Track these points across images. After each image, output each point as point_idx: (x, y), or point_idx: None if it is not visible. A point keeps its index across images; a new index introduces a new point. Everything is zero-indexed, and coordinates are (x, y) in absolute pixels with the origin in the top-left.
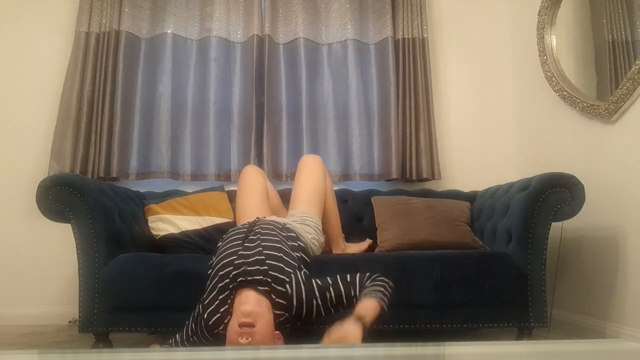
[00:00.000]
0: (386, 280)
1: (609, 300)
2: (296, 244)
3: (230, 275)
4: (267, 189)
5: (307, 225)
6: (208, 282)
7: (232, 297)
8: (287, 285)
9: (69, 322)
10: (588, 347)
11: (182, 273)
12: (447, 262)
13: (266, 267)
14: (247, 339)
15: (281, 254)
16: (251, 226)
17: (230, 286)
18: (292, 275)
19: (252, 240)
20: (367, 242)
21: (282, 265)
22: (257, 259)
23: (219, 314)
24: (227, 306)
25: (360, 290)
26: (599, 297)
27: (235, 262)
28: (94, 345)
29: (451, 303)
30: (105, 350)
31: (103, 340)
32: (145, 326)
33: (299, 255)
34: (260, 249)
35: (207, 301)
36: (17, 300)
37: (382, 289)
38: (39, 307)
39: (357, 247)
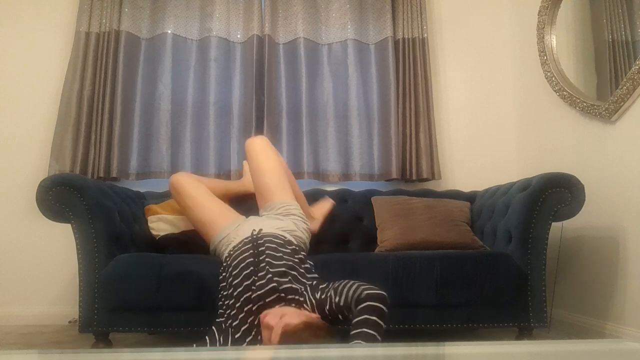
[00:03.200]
0: (381, 297)
1: (609, 300)
2: (302, 256)
3: (252, 299)
4: (207, 187)
5: (292, 214)
6: (226, 285)
7: (257, 318)
8: (304, 305)
9: (69, 322)
10: (588, 347)
11: (182, 273)
12: (447, 262)
13: (283, 294)
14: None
15: (289, 278)
16: (255, 246)
17: (254, 308)
18: (305, 292)
19: (262, 268)
20: (328, 203)
21: (296, 287)
22: (271, 287)
23: (246, 325)
24: (253, 317)
25: (353, 303)
26: (599, 297)
27: (252, 292)
28: (94, 345)
29: (451, 303)
30: (105, 350)
31: (103, 340)
32: (145, 326)
33: (305, 266)
34: (270, 275)
35: (230, 305)
36: (17, 300)
37: (379, 321)
38: (39, 307)
39: (319, 210)
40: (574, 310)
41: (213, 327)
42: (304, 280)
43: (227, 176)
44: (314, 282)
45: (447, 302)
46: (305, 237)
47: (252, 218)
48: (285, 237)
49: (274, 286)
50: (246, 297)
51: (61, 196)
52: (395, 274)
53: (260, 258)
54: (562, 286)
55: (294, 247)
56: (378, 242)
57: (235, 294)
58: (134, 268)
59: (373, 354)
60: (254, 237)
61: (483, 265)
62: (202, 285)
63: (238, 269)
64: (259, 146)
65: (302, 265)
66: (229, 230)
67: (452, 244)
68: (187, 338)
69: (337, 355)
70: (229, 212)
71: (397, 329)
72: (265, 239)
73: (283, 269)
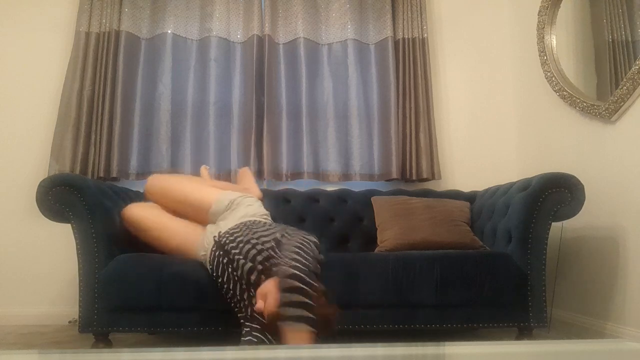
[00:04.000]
0: (296, 279)
1: (609, 300)
2: (256, 221)
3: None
4: (161, 211)
5: (234, 200)
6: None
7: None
8: (281, 265)
9: (69, 322)
10: (588, 347)
11: (182, 273)
12: (447, 262)
13: (261, 267)
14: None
15: (258, 250)
16: (221, 247)
17: (253, 301)
18: (276, 253)
19: (236, 266)
20: (247, 173)
21: (268, 254)
22: (249, 267)
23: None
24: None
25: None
26: (599, 297)
27: (245, 291)
28: (94, 345)
29: (451, 303)
30: (105, 350)
31: (103, 340)
32: (145, 326)
33: (263, 222)
34: (249, 264)
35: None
36: (17, 300)
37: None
38: (39, 307)
39: (246, 182)
40: (574, 310)
41: (253, 336)
42: (268, 239)
43: (227, 176)
44: (278, 237)
45: (447, 302)
46: (258, 209)
47: (209, 227)
48: (242, 222)
49: (251, 266)
50: (245, 296)
51: (61, 196)
52: (395, 274)
53: (230, 257)
54: (562, 286)
55: (249, 225)
56: (378, 242)
57: (237, 300)
58: (134, 268)
59: (373, 354)
60: (217, 241)
61: (483, 265)
62: (201, 285)
63: (221, 278)
64: (161, 180)
65: (261, 229)
66: (202, 245)
67: (452, 244)
68: (187, 338)
69: (337, 355)
70: (194, 228)
71: (397, 329)
72: (226, 238)
73: (253, 252)
